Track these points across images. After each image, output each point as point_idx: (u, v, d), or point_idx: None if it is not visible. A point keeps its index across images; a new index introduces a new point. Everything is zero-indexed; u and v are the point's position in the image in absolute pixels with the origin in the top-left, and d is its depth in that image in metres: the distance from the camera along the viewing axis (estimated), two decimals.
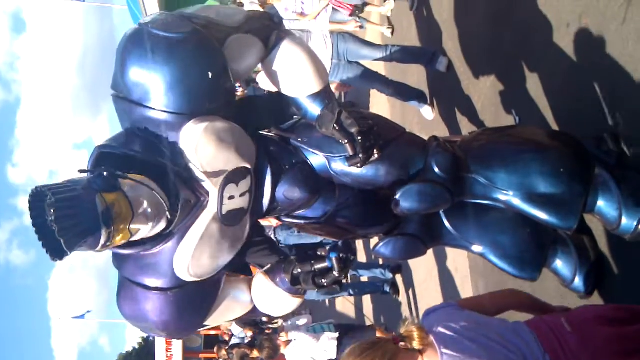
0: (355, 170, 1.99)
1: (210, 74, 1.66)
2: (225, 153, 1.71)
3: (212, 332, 20.77)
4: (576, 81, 2.59)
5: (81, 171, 1.57)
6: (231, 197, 1.74)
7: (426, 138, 2.20)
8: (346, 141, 1.88)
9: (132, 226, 1.52)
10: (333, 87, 4.96)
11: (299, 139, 2.05)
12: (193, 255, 1.70)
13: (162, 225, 1.60)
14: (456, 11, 4.28)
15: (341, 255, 1.77)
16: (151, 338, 32.66)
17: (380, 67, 5.60)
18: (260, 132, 2.05)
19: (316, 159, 2.05)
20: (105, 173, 1.48)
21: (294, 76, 1.93)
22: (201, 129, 1.66)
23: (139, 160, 1.63)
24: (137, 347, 42.52)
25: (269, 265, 2.00)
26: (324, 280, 1.81)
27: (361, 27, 5.05)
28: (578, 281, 2.29)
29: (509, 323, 1.61)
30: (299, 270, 1.85)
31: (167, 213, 1.58)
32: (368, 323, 6.96)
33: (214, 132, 1.68)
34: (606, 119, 2.36)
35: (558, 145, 2.15)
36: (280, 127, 2.11)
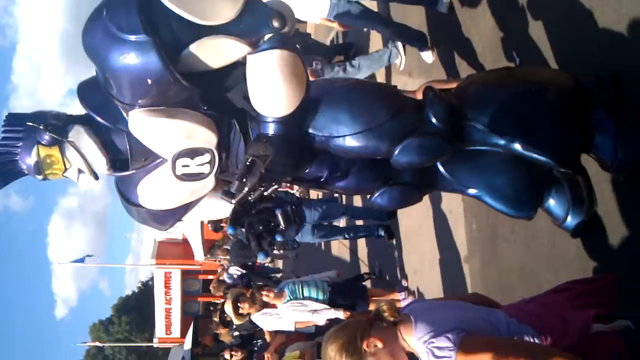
0: (354, 144, 1.99)
1: (149, 81, 1.73)
2: (167, 141, 1.90)
3: (211, 277, 21.23)
4: (579, 20, 2.55)
5: (34, 121, 1.91)
6: (185, 166, 1.95)
7: (424, 82, 2.18)
8: (236, 179, 1.90)
9: (65, 174, 1.97)
10: (334, 25, 4.87)
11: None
12: (149, 194, 2.02)
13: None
14: None
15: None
16: (150, 283, 33.30)
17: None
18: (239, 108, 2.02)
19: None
20: (48, 131, 1.87)
21: (261, 93, 1.85)
22: (141, 121, 1.84)
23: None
24: (136, 291, 43.43)
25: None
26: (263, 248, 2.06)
27: None
28: (570, 220, 2.32)
29: (474, 305, 1.70)
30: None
31: (93, 175, 1.98)
32: (362, 266, 7.11)
33: (152, 125, 1.85)
34: (607, 59, 2.34)
35: (555, 84, 2.14)
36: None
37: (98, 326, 39.96)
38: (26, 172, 1.94)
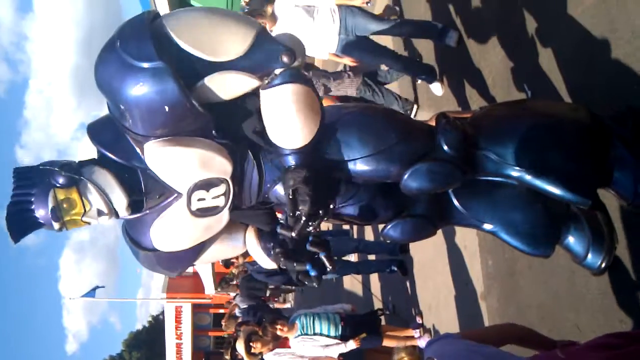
0: (365, 168, 1.96)
1: (166, 108, 1.69)
2: (184, 172, 1.84)
3: (222, 311, 21.02)
4: (590, 53, 2.52)
5: (44, 166, 1.82)
6: (201, 199, 1.89)
7: (435, 113, 2.14)
8: (290, 214, 1.86)
9: (84, 219, 1.83)
10: (344, 60, 4.88)
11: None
12: (163, 235, 1.93)
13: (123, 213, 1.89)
14: None
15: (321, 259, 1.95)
16: (161, 317, 33.19)
17: (388, 42, 5.50)
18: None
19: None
20: (64, 171, 1.76)
21: (278, 127, 1.83)
22: (157, 151, 1.78)
23: (111, 159, 1.85)
24: (147, 325, 43.17)
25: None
26: (305, 282, 1.99)
27: (369, 2, 4.94)
28: (591, 257, 2.24)
29: (505, 353, 1.60)
30: (284, 264, 2.01)
31: (114, 215, 1.86)
32: (375, 301, 6.97)
33: (169, 156, 1.79)
34: (623, 91, 2.29)
35: (572, 118, 2.09)
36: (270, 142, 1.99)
37: None
38: (42, 222, 1.79)
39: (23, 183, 1.79)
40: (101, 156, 1.89)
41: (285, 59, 1.76)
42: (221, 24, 1.78)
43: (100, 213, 1.84)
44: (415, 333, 5.20)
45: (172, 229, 1.93)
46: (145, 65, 1.63)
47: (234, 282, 9.38)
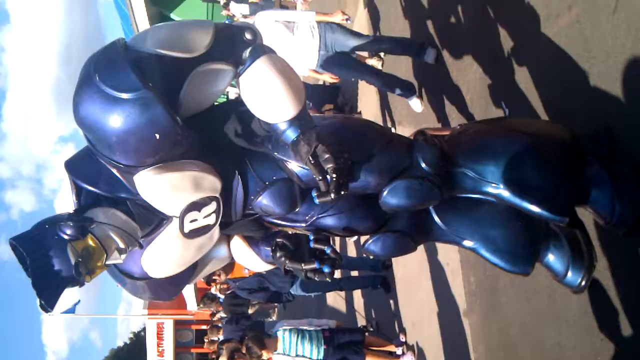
0: None
1: (157, 135, 1.65)
2: (178, 196, 1.80)
3: (204, 327, 20.76)
4: (566, 72, 2.55)
5: (48, 224, 1.72)
6: (193, 220, 1.84)
7: (414, 130, 2.14)
8: (320, 177, 1.79)
9: (107, 262, 1.76)
10: (324, 77, 4.89)
11: (281, 154, 1.94)
12: (156, 262, 1.88)
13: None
14: (445, 2, 4.22)
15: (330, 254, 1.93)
16: (142, 333, 32.73)
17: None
18: (237, 146, 1.96)
19: (300, 168, 1.96)
20: (72, 221, 1.67)
21: (265, 102, 1.80)
22: (150, 180, 1.73)
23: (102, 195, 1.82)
24: (128, 342, 42.48)
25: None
26: (315, 278, 1.93)
27: (348, 19, 4.98)
28: (571, 275, 2.24)
29: None
30: (290, 267, 1.98)
31: (137, 243, 1.82)
32: (359, 318, 6.94)
33: (163, 183, 1.75)
34: (598, 110, 2.32)
35: (548, 136, 2.11)
36: (254, 141, 1.98)
37: None
38: (70, 279, 1.69)
39: (34, 248, 1.67)
40: (93, 199, 1.83)
41: (248, 35, 1.80)
42: (182, 26, 1.83)
43: (121, 251, 1.79)
44: (398, 350, 5.18)
45: (165, 254, 1.89)
46: (131, 95, 1.58)
47: (217, 298, 9.31)
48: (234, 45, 1.80)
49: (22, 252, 1.64)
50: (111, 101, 1.59)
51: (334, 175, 1.77)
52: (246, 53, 1.79)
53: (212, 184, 1.85)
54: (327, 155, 1.76)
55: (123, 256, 1.81)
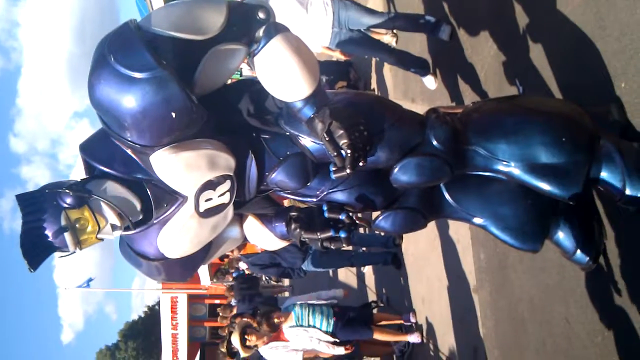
0: None
1: (173, 114, 1.66)
2: (193, 175, 1.82)
3: (217, 302, 21.05)
4: (581, 50, 2.53)
5: (49, 189, 1.77)
6: (208, 199, 1.87)
7: (428, 108, 2.16)
8: (335, 154, 1.81)
9: (99, 236, 1.78)
10: (336, 54, 4.88)
11: (294, 130, 1.97)
12: (172, 242, 1.90)
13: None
14: None
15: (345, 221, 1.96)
16: (156, 307, 33.27)
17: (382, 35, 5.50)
18: (250, 124, 1.99)
19: (313, 143, 1.99)
20: (72, 190, 1.71)
21: (281, 81, 1.82)
22: (167, 160, 1.75)
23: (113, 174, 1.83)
24: (142, 315, 43.24)
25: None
26: (332, 246, 1.97)
27: None
28: (580, 253, 2.26)
29: None
30: (306, 237, 2.00)
31: (130, 224, 1.82)
32: (369, 293, 7.02)
33: (179, 161, 1.77)
34: (612, 89, 2.31)
35: (560, 114, 2.11)
36: (267, 120, 2.01)
37: (105, 352, 39.76)
38: (57, 245, 1.74)
39: (31, 209, 1.73)
40: (103, 173, 1.85)
41: (261, 14, 1.79)
42: (195, 6, 1.78)
43: (114, 228, 1.81)
44: (407, 322, 5.30)
45: (181, 234, 1.91)
46: (146, 75, 1.60)
47: (230, 272, 9.48)
48: (247, 24, 1.79)
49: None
50: (126, 81, 1.60)
51: (349, 151, 1.79)
52: (260, 32, 1.79)
53: (226, 162, 1.87)
54: (340, 132, 1.79)
55: (116, 233, 1.83)
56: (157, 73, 1.60)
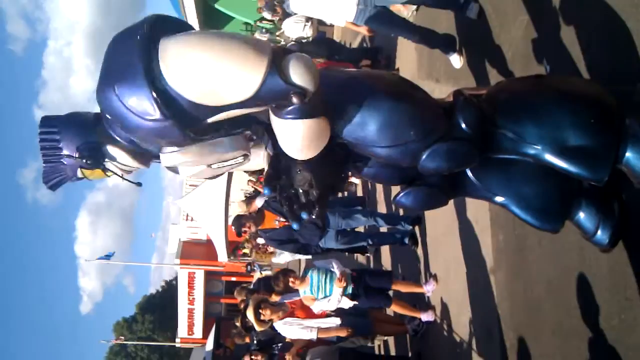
0: (378, 152, 2.03)
1: (173, 143, 1.84)
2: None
3: (234, 279, 21.31)
4: (611, 30, 2.48)
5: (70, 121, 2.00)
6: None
7: (452, 88, 2.14)
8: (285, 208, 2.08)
9: (108, 173, 2.05)
10: (360, 29, 4.86)
11: None
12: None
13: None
14: None
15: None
16: (174, 282, 33.77)
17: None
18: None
19: None
20: (85, 159, 1.93)
21: (288, 147, 1.90)
22: (175, 159, 1.87)
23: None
24: (160, 290, 43.98)
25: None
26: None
27: None
28: (600, 234, 2.25)
29: None
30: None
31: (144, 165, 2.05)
32: None
33: (183, 158, 1.87)
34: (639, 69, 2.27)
35: (587, 95, 2.08)
36: None
37: (122, 324, 40.59)
38: (69, 174, 2.02)
39: (50, 133, 1.95)
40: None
41: (295, 100, 1.69)
42: (228, 63, 1.63)
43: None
44: (427, 291, 5.28)
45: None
46: (150, 122, 1.67)
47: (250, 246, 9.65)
48: (275, 101, 1.75)
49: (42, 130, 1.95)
50: (129, 115, 1.67)
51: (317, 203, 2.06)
52: (290, 100, 1.71)
53: (238, 141, 1.95)
54: (314, 194, 2.06)
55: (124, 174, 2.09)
56: (159, 123, 1.67)
